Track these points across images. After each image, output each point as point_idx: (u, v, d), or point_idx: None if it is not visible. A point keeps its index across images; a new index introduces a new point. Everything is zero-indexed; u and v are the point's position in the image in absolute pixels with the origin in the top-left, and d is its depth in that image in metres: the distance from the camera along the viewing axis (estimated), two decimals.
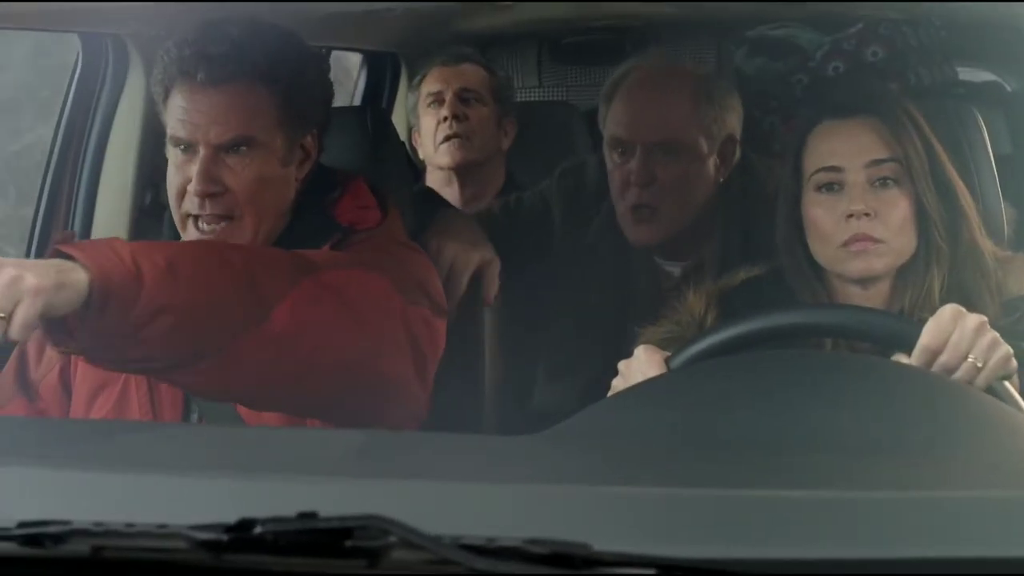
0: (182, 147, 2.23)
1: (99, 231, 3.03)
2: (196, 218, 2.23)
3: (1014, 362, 1.90)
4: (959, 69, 4.30)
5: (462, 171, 3.52)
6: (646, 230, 2.87)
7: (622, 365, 2.06)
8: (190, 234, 2.24)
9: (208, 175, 2.19)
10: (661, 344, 2.10)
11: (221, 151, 2.21)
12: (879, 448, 1.60)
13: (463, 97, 3.52)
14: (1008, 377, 1.90)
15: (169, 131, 2.25)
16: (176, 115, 2.22)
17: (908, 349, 1.91)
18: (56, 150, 3.10)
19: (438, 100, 3.53)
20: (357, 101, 4.43)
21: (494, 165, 3.58)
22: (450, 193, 3.54)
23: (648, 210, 2.84)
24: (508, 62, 4.34)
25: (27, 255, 3.07)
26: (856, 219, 2.17)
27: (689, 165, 2.85)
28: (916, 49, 4.14)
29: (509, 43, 4.33)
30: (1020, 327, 2.09)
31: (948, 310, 1.93)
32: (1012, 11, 2.39)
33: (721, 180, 2.91)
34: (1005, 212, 2.38)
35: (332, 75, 2.43)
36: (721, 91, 2.94)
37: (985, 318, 1.91)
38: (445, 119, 3.49)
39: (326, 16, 2.96)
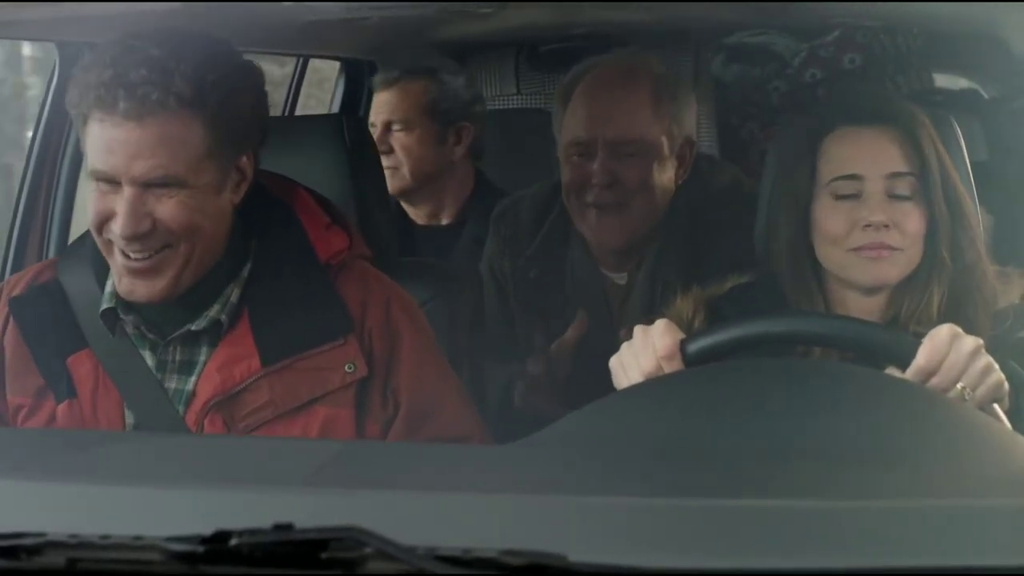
0: (104, 181, 2.03)
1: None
2: (123, 250, 2.06)
3: (1006, 387, 1.88)
4: (936, 76, 4.31)
5: (403, 196, 3.52)
6: (609, 231, 2.82)
7: (638, 330, 1.95)
8: (117, 262, 2.07)
9: (135, 215, 2.01)
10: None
11: (147, 188, 2.01)
12: (863, 458, 1.59)
13: (388, 128, 3.48)
14: (998, 401, 1.89)
15: (89, 163, 2.04)
16: (96, 146, 2.02)
17: (903, 366, 1.89)
18: (33, 159, 3.09)
19: (372, 128, 3.49)
20: (335, 108, 4.43)
21: (449, 177, 3.53)
22: (409, 212, 3.57)
23: (611, 210, 2.79)
24: (486, 69, 4.34)
25: (3, 265, 3.06)
26: (875, 230, 2.15)
27: (650, 165, 2.79)
28: (893, 56, 4.17)
29: (487, 51, 4.33)
30: (1007, 339, 2.09)
31: (945, 331, 1.89)
32: (989, 18, 2.39)
33: (679, 183, 2.86)
34: (982, 219, 2.39)
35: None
36: (679, 90, 2.89)
37: (981, 341, 1.89)
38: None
39: (303, 24, 2.95)
